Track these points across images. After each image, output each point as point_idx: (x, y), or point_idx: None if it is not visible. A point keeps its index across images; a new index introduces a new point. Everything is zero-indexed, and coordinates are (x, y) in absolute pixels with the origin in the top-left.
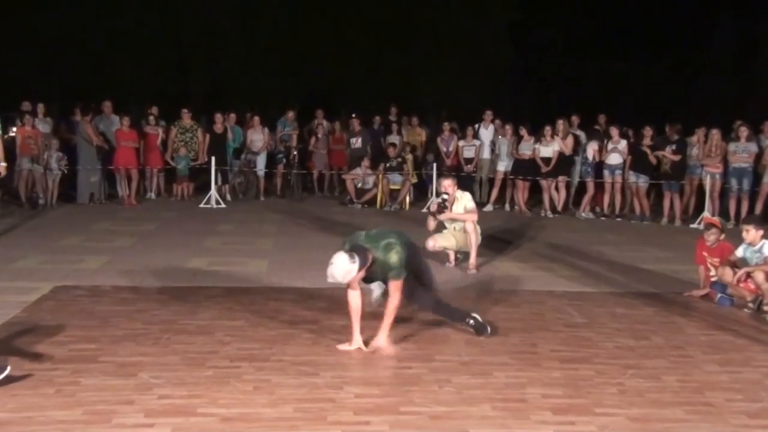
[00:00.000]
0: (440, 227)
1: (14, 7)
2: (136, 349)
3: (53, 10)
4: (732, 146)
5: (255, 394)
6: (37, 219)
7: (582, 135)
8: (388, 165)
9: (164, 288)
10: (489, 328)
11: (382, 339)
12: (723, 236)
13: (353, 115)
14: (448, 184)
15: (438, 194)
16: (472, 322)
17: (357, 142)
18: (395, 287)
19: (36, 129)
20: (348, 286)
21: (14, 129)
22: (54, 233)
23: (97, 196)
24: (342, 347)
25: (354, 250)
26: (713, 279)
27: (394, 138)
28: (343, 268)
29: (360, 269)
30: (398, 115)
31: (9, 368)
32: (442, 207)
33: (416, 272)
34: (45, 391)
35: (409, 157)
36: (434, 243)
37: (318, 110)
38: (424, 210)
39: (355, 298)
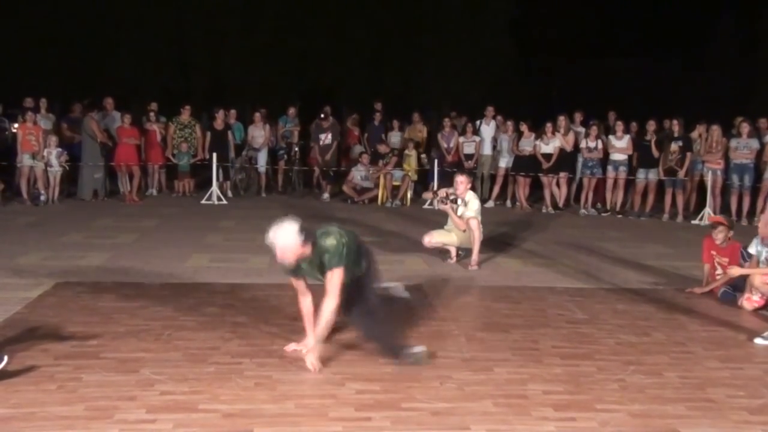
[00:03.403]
0: (442, 222)
1: (16, 4)
2: (138, 345)
3: (55, 6)
4: (733, 142)
5: (256, 390)
6: (38, 215)
7: (582, 132)
8: (384, 161)
9: (166, 284)
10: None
11: (314, 347)
12: (731, 234)
13: (321, 115)
14: (461, 180)
15: (449, 195)
16: (409, 355)
17: (326, 138)
18: (331, 279)
19: (37, 125)
20: (297, 291)
21: (16, 125)
22: (56, 229)
23: (101, 192)
24: (290, 347)
25: (305, 229)
26: (718, 276)
27: (392, 134)
28: (288, 235)
29: (299, 245)
30: (383, 109)
31: (6, 359)
32: (451, 200)
33: (361, 285)
34: (47, 387)
35: (413, 153)
36: (430, 239)
37: (326, 107)
38: (429, 195)
39: (305, 304)
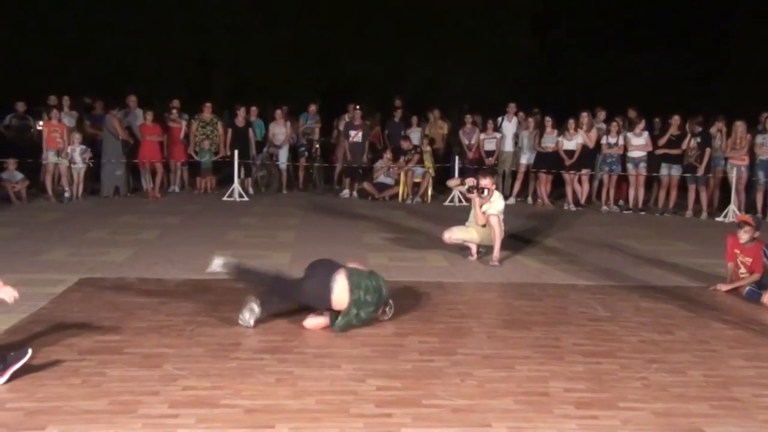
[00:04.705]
0: (463, 219)
1: (39, 2)
2: (161, 341)
3: (78, 4)
4: (759, 138)
5: (278, 386)
6: (63, 212)
7: (604, 128)
8: (406, 158)
9: (188, 280)
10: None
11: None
12: (757, 234)
13: (356, 107)
14: (485, 183)
15: (476, 187)
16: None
17: (357, 136)
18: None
19: (62, 123)
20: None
21: (40, 123)
22: (80, 226)
23: (122, 189)
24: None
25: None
26: (742, 275)
27: (412, 131)
28: None
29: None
30: (404, 106)
31: (30, 352)
32: (478, 190)
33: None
34: (71, 382)
35: (428, 149)
36: (450, 235)
37: (350, 105)
38: (455, 182)
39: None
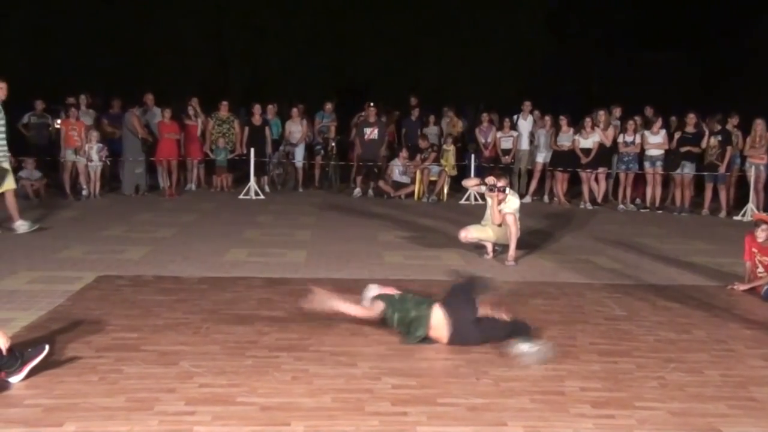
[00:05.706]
0: (479, 218)
1: (58, 1)
2: (177, 338)
3: (96, 3)
4: None
5: (293, 383)
6: (80, 210)
7: (620, 125)
8: (423, 156)
9: (204, 278)
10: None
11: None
12: None
13: (370, 104)
14: (502, 183)
15: (494, 187)
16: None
17: (372, 133)
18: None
19: (80, 121)
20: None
21: (58, 121)
22: (97, 224)
23: (142, 187)
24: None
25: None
26: (760, 274)
27: (429, 129)
28: None
29: None
30: (420, 104)
31: (47, 348)
32: (499, 189)
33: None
34: (89, 379)
35: (451, 148)
36: (466, 234)
37: (366, 103)
38: (471, 183)
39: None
